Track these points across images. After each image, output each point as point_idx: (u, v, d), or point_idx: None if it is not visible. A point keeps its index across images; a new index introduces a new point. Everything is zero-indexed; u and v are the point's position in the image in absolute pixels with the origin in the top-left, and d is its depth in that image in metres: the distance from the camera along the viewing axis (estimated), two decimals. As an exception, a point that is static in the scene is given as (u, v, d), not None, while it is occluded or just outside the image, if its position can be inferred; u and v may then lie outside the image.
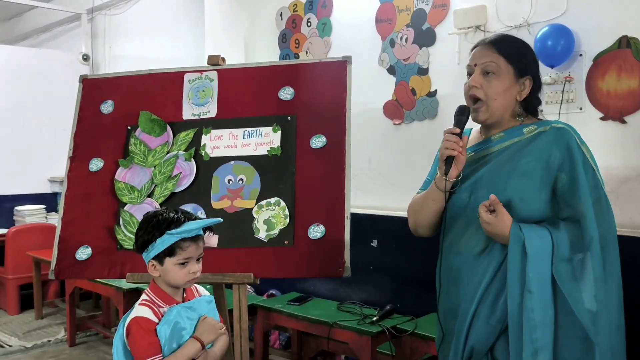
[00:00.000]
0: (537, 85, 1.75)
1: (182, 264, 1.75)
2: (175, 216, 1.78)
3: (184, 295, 1.86)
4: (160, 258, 1.76)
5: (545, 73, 2.79)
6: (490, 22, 3.02)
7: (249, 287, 3.79)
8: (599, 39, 2.68)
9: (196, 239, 1.77)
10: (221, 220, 1.84)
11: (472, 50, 1.80)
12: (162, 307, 1.78)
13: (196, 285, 1.95)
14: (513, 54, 1.71)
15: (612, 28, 2.64)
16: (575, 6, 2.74)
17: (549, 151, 1.62)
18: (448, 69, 3.20)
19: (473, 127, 1.97)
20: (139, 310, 1.77)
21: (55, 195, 5.89)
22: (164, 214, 1.79)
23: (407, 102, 3.40)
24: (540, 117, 1.82)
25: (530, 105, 1.77)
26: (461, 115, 1.73)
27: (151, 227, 1.77)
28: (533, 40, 2.78)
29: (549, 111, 2.82)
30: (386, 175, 3.54)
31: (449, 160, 1.68)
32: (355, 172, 3.56)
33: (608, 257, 1.57)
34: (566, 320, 1.54)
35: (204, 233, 1.84)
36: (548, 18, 2.81)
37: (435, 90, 3.26)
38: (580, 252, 1.55)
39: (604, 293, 1.54)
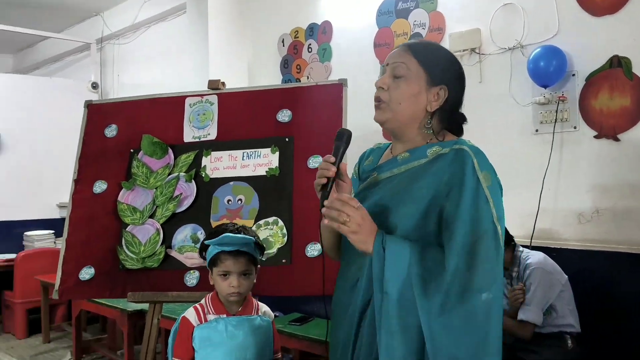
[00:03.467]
0: (455, 99, 1.54)
1: (224, 275, 1.82)
2: (220, 228, 1.89)
3: (239, 309, 1.87)
4: (210, 267, 1.86)
5: (540, 93, 2.85)
6: (485, 45, 3.09)
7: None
8: (590, 59, 2.73)
9: (235, 254, 1.81)
10: (252, 238, 1.85)
11: None
12: (210, 314, 1.84)
13: (261, 303, 1.96)
14: (428, 59, 1.52)
15: (603, 48, 2.70)
16: (567, 28, 2.80)
17: (442, 176, 1.43)
18: (445, 90, 3.25)
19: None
20: (188, 311, 1.87)
21: (63, 220, 5.96)
22: (222, 226, 1.91)
23: (406, 124, 3.45)
24: (458, 136, 1.58)
25: (446, 121, 1.55)
26: (338, 141, 1.51)
27: (207, 237, 1.89)
28: (526, 62, 2.84)
29: (543, 130, 2.87)
30: (386, 196, 3.57)
31: (323, 189, 1.47)
32: (356, 194, 3.62)
33: (470, 304, 1.35)
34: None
35: (258, 253, 1.87)
36: (541, 40, 2.87)
37: (433, 112, 3.31)
38: (432, 275, 1.37)
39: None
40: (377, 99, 1.54)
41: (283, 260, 2.42)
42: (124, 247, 2.58)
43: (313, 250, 2.39)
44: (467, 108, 1.55)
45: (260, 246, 1.89)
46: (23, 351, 4.72)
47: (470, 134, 1.56)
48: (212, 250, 1.82)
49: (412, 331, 1.36)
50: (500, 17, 3.04)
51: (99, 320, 5.27)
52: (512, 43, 2.97)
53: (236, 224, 1.92)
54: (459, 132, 1.58)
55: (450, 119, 1.55)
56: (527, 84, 2.90)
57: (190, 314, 1.86)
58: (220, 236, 1.81)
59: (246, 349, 1.82)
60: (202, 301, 1.89)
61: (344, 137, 1.51)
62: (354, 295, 1.49)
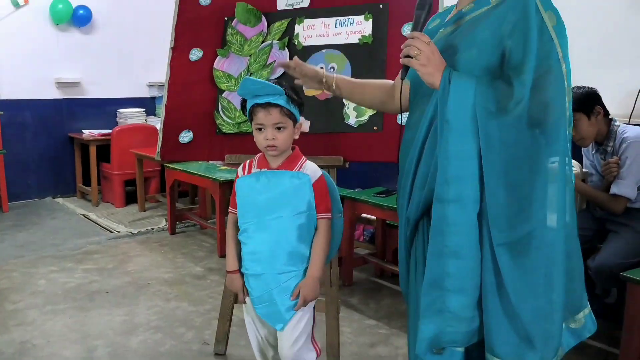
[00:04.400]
0: None
1: (259, 130, 1.85)
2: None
3: (280, 164, 1.90)
4: (250, 123, 1.89)
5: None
6: None
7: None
8: None
9: (266, 106, 1.81)
10: (279, 88, 1.82)
11: None
12: (254, 169, 1.92)
13: (309, 163, 1.95)
14: None
15: None
16: None
17: (504, 17, 1.43)
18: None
19: None
20: (240, 166, 1.99)
21: (153, 99, 6.22)
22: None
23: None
24: None
25: None
26: (419, 10, 1.51)
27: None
28: None
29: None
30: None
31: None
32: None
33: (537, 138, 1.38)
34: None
35: (293, 107, 1.86)
36: None
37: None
38: (498, 106, 1.39)
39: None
40: None
41: (374, 127, 2.46)
42: (221, 112, 2.69)
43: (404, 117, 2.41)
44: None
45: (294, 100, 1.86)
46: (122, 217, 5.12)
47: (568, 7, 1.49)
48: (248, 105, 1.85)
49: (468, 158, 1.40)
50: None
51: (189, 194, 5.60)
52: None
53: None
54: None
55: None
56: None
57: (240, 168, 1.97)
58: (242, 81, 1.84)
59: (270, 201, 1.86)
60: (254, 157, 1.96)
61: (426, 6, 1.51)
62: (417, 130, 1.55)
